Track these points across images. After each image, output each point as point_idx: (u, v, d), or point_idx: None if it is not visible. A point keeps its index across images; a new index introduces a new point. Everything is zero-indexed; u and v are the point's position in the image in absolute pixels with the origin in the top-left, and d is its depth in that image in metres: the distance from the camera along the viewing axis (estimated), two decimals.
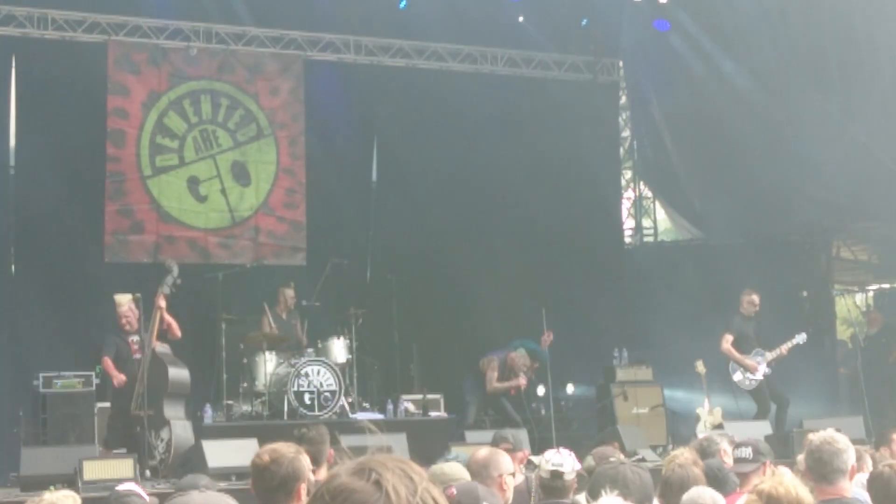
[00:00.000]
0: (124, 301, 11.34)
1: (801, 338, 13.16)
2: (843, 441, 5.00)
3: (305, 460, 4.56)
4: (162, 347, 11.06)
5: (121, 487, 5.75)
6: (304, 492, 4.44)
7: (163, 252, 14.07)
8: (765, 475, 5.64)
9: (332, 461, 6.44)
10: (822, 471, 4.89)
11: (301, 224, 14.99)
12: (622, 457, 5.86)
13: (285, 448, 4.55)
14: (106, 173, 14.12)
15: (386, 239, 15.13)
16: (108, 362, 11.32)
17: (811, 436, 5.21)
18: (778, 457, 7.39)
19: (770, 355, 13.06)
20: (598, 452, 6.68)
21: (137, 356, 11.14)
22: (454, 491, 4.36)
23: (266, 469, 4.41)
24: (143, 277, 11.96)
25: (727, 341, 13.03)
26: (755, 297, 13.21)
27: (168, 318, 11.08)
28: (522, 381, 13.56)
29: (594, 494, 4.26)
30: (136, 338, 11.27)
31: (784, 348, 13.10)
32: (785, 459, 8.42)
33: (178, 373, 11.13)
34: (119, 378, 11.12)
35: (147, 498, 5.52)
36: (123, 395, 11.08)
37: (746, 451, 6.26)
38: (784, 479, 4.12)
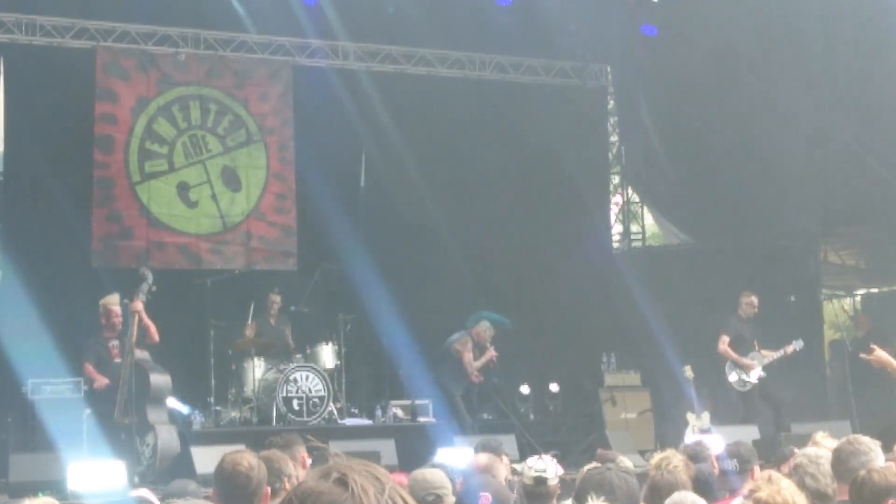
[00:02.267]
0: (115, 301, 11.38)
1: (797, 344, 13.18)
2: (866, 443, 5.05)
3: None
4: (141, 354, 11.06)
5: (134, 493, 5.77)
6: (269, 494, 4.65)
7: (153, 258, 14.03)
8: (754, 479, 5.58)
9: (306, 463, 6.48)
10: (839, 469, 4.96)
11: (292, 229, 14.98)
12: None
13: (250, 454, 4.76)
14: (94, 179, 14.10)
15: (374, 244, 15.12)
16: (88, 368, 11.39)
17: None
18: (769, 461, 7.38)
19: (766, 359, 13.08)
20: (601, 456, 6.65)
21: (118, 360, 11.15)
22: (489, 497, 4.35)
23: (244, 475, 4.57)
24: (131, 283, 11.91)
25: (724, 342, 13.04)
26: (754, 299, 13.24)
27: (147, 320, 11.09)
28: (493, 352, 13.57)
29: (580, 500, 4.26)
30: (116, 342, 11.30)
31: (781, 352, 13.11)
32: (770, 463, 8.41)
33: (159, 378, 11.14)
34: (101, 381, 11.15)
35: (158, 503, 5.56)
36: (105, 402, 11.09)
37: (731, 464, 6.02)
38: (781, 485, 4.02)
